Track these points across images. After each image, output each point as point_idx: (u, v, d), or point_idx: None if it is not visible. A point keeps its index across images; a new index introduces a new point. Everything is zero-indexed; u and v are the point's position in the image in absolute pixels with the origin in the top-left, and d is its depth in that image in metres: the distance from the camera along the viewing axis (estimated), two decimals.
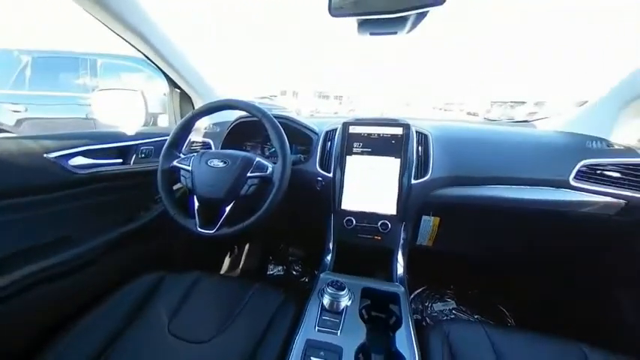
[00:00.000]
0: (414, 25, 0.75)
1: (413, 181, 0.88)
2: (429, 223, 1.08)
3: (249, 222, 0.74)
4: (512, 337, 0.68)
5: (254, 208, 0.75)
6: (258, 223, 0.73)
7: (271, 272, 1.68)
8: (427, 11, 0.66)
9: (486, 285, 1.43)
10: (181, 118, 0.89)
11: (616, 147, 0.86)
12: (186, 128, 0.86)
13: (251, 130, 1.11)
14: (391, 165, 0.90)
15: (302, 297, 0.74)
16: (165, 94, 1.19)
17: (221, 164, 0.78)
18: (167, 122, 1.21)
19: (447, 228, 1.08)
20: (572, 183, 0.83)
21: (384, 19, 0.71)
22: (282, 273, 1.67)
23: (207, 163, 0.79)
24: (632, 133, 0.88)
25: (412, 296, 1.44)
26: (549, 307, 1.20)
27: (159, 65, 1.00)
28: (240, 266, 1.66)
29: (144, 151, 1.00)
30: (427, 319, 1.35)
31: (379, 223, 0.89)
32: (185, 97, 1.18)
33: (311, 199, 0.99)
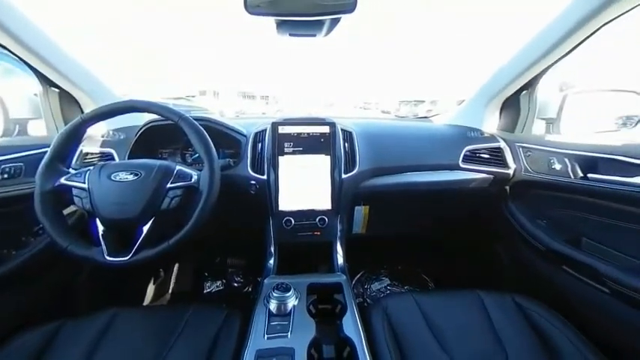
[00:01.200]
0: (330, 29, 0.80)
1: (343, 176, 0.95)
2: (361, 212, 1.18)
3: (176, 239, 0.65)
4: (432, 297, 0.82)
5: (180, 222, 0.66)
6: (187, 238, 0.65)
7: (209, 290, 1.53)
8: (340, 17, 0.71)
9: (411, 259, 1.66)
10: (66, 124, 0.70)
11: (485, 135, 1.14)
12: (73, 137, 0.69)
13: (166, 135, 0.98)
14: (322, 162, 0.93)
15: (247, 308, 0.70)
16: (36, 95, 0.92)
17: (131, 177, 0.66)
18: (45, 130, 0.95)
19: (376, 215, 1.21)
20: (461, 165, 1.06)
21: (301, 21, 0.74)
22: (221, 288, 1.54)
23: (110, 178, 0.65)
24: (493, 123, 1.18)
25: (353, 282, 1.55)
26: (454, 267, 1.49)
27: (22, 57, 0.77)
28: (170, 291, 1.45)
29: (7, 170, 0.76)
30: (368, 300, 1.48)
31: (317, 219, 0.91)
32: (68, 99, 0.95)
33: (245, 204, 0.94)
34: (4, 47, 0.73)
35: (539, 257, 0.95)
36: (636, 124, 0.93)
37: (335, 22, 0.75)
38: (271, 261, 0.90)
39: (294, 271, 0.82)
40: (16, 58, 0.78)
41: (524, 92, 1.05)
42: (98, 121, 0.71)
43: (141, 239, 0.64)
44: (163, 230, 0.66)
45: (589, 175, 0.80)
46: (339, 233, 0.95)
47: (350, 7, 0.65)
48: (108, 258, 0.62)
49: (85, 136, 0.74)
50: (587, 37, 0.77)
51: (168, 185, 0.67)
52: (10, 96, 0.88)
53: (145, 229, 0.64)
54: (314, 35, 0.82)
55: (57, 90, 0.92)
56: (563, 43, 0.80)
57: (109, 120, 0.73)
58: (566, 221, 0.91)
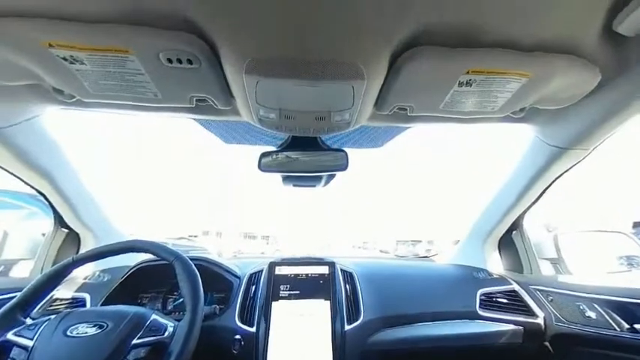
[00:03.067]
0: (327, 182, 0.95)
1: (346, 327, 0.81)
2: None
3: None
4: None
5: None
6: None
7: None
8: (335, 174, 0.86)
9: None
10: (55, 264, 0.68)
11: (495, 276, 1.07)
12: (55, 279, 0.65)
13: (153, 277, 0.92)
14: (321, 309, 0.83)
15: None
16: (44, 235, 0.94)
17: (92, 330, 0.55)
18: (27, 272, 0.89)
19: None
20: (480, 312, 0.93)
21: (303, 176, 0.89)
22: None
23: (65, 333, 0.54)
24: (496, 263, 1.14)
25: None
26: None
27: (53, 203, 0.86)
28: None
29: None
30: None
31: None
32: (71, 239, 0.97)
33: None
34: (42, 194, 0.83)
35: None
36: None
37: (331, 176, 0.91)
38: None
39: None
40: (46, 203, 0.87)
41: (514, 232, 1.09)
42: (91, 262, 0.69)
43: None
44: None
45: (637, 326, 0.68)
46: None
47: (343, 167, 0.80)
48: None
49: (68, 277, 0.70)
50: (544, 191, 0.89)
51: (134, 341, 0.55)
52: (18, 237, 0.90)
53: None
54: (314, 186, 0.97)
55: (66, 231, 0.95)
56: (525, 196, 0.91)
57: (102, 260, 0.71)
58: None
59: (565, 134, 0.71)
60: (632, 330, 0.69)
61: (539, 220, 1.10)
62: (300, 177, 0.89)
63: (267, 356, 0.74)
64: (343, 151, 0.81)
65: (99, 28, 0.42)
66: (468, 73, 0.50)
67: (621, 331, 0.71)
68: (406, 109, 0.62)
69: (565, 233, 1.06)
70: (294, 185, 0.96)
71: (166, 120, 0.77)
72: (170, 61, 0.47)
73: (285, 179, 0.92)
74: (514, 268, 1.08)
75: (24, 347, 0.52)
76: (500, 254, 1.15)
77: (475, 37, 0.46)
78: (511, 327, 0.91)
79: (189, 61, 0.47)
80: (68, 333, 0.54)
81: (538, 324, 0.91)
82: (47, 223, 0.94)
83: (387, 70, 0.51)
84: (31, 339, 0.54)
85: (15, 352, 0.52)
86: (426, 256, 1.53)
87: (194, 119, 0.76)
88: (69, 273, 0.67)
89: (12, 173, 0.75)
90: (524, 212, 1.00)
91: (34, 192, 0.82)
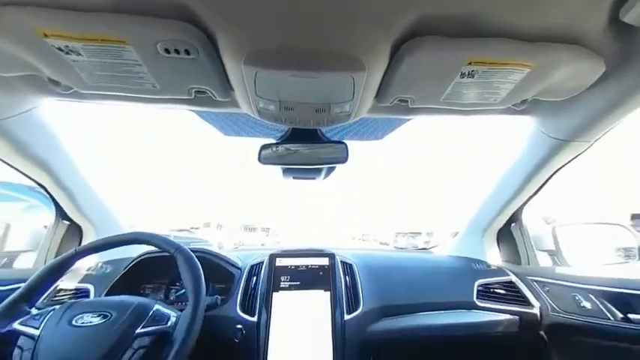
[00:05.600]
0: (327, 174, 0.95)
1: (346, 317, 0.82)
2: None
3: None
4: None
5: None
6: None
7: None
8: (335, 166, 0.86)
9: None
10: (58, 256, 0.69)
11: (493, 267, 1.09)
12: (58, 270, 0.66)
13: (155, 269, 0.93)
14: (321, 299, 0.84)
15: None
16: (46, 227, 0.95)
17: (97, 320, 0.56)
18: (31, 264, 0.91)
19: None
20: (478, 303, 0.94)
21: (303, 169, 0.89)
22: None
23: (70, 322, 0.55)
24: (494, 254, 1.16)
25: None
26: None
27: (53, 195, 0.86)
28: None
29: None
30: None
31: None
32: (73, 231, 0.97)
33: (226, 356, 0.76)
34: (42, 186, 0.83)
35: None
36: (639, 255, 0.91)
37: (331, 169, 0.90)
38: None
39: None
40: (46, 195, 0.87)
41: (513, 224, 1.09)
42: (93, 253, 0.70)
43: None
44: None
45: (630, 316, 0.69)
46: None
47: (343, 159, 0.80)
48: None
49: (71, 268, 0.71)
50: (544, 183, 0.90)
51: (138, 331, 0.56)
52: (20, 229, 0.91)
53: None
54: (314, 178, 0.97)
55: (67, 223, 0.96)
56: (525, 189, 0.91)
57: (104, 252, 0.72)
58: None
59: (567, 126, 0.71)
60: (626, 319, 0.71)
61: (538, 213, 1.10)
62: (300, 169, 0.89)
63: (269, 344, 0.75)
64: (343, 143, 0.80)
65: (94, 17, 0.41)
66: (470, 63, 0.49)
67: (615, 320, 0.73)
68: (407, 101, 0.61)
69: (563, 225, 1.06)
70: (294, 178, 0.96)
71: (166, 112, 0.76)
72: (168, 51, 0.46)
73: (285, 171, 0.92)
74: (512, 260, 1.09)
75: (30, 336, 0.54)
76: (498, 246, 1.16)
77: (477, 27, 0.45)
78: (507, 317, 0.93)
79: (187, 52, 0.46)
80: (73, 322, 0.55)
81: (534, 314, 0.93)
82: (49, 215, 0.95)
83: (388, 61, 0.50)
84: (38, 328, 0.55)
85: (22, 341, 0.54)
86: (424, 248, 1.55)
87: (193, 111, 0.75)
88: (72, 264, 0.68)
89: (11, 165, 0.75)
90: (524, 205, 1.00)
91: (34, 184, 0.82)
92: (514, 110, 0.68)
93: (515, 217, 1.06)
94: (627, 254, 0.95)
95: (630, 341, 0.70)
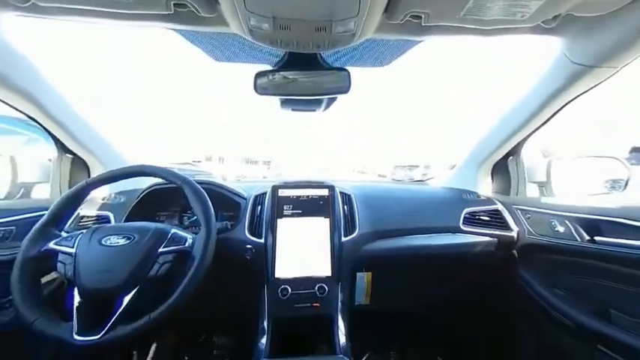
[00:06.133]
0: (328, 106, 0.90)
1: (343, 239, 0.92)
2: (363, 279, 1.10)
3: (159, 311, 0.58)
4: None
5: (165, 292, 0.61)
6: (173, 310, 0.59)
7: None
8: (336, 97, 0.81)
9: (423, 337, 1.46)
10: (70, 188, 0.72)
11: (482, 197, 1.16)
12: (74, 200, 0.70)
13: (166, 198, 0.99)
14: (321, 225, 0.92)
15: None
16: (50, 160, 0.97)
17: (122, 241, 0.64)
18: (48, 194, 0.96)
19: (380, 283, 1.12)
20: (462, 227, 1.04)
21: (303, 99, 0.84)
22: None
23: (100, 242, 0.63)
24: (487, 186, 1.21)
25: None
26: (475, 348, 1.30)
27: (46, 127, 0.84)
28: None
29: None
30: None
31: (316, 287, 0.84)
32: (79, 164, 0.99)
33: (239, 271, 0.89)
34: (33, 119, 0.81)
35: (568, 334, 0.84)
36: (625, 187, 0.96)
37: (332, 100, 0.86)
38: (263, 340, 0.79)
39: (290, 352, 0.71)
40: (41, 128, 0.86)
41: (510, 158, 1.11)
42: (103, 185, 0.73)
43: (118, 312, 0.57)
44: (144, 304, 0.60)
45: (596, 239, 0.78)
46: (340, 305, 0.87)
47: (344, 89, 0.75)
48: (77, 338, 0.55)
49: (87, 198, 0.75)
50: (557, 111, 0.87)
51: (160, 250, 0.64)
52: (26, 161, 0.93)
53: (126, 299, 0.59)
54: (314, 110, 0.93)
55: (70, 156, 0.97)
56: (536, 116, 0.89)
57: (112, 183, 0.75)
58: (585, 289, 0.84)
59: (596, 49, 0.64)
60: (592, 241, 0.79)
61: (537, 147, 1.10)
62: (299, 100, 0.85)
63: (276, 260, 0.87)
64: (345, 70, 0.74)
65: None
66: None
67: (582, 242, 0.82)
68: (421, 17, 0.53)
69: (559, 159, 1.08)
70: (293, 110, 0.92)
71: (154, 37, 0.67)
72: None
73: (284, 103, 0.87)
74: (502, 191, 1.16)
75: (68, 254, 0.62)
76: (492, 178, 1.21)
77: None
78: (487, 239, 1.04)
79: None
80: (103, 242, 0.63)
81: (511, 236, 1.04)
82: (49, 148, 0.96)
83: None
84: (72, 247, 0.62)
85: (62, 257, 0.62)
86: (421, 180, 1.62)
87: (175, 30, 0.66)
88: (87, 194, 0.72)
89: None
90: (527, 137, 1.00)
91: (26, 117, 0.80)
92: (542, 29, 0.60)
93: (514, 151, 1.07)
94: (613, 186, 1.00)
95: (591, 257, 0.80)
